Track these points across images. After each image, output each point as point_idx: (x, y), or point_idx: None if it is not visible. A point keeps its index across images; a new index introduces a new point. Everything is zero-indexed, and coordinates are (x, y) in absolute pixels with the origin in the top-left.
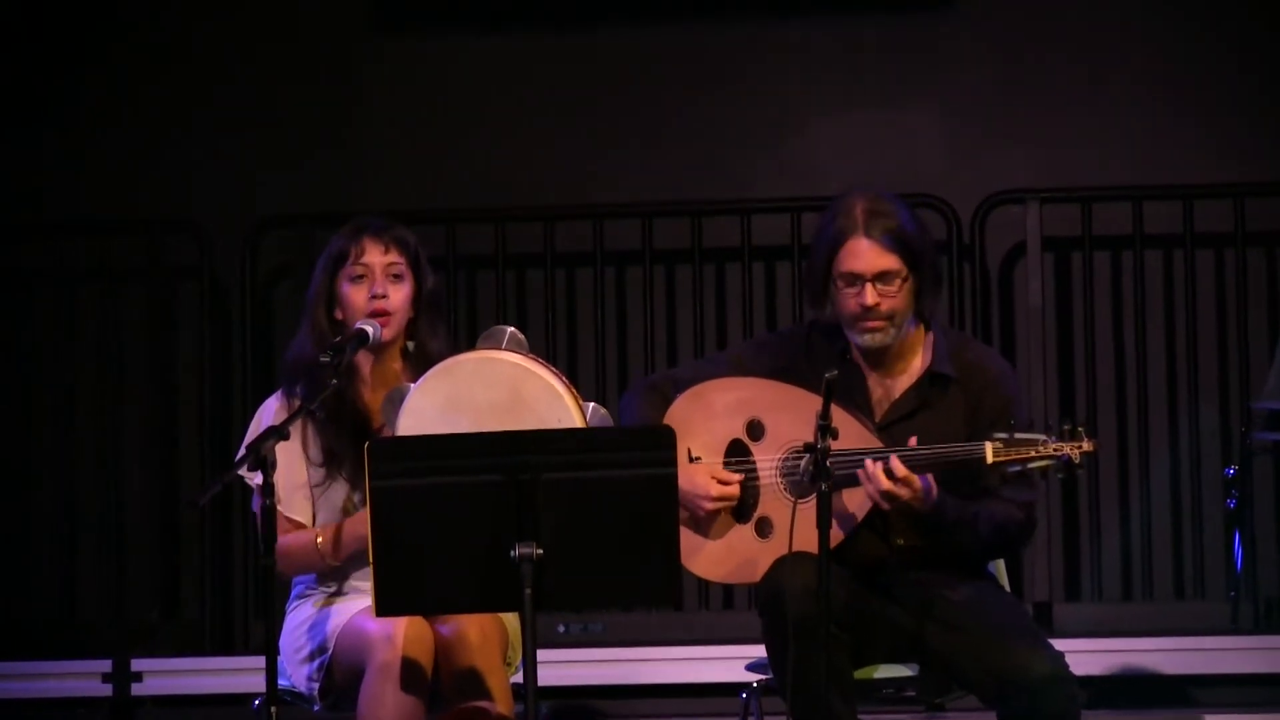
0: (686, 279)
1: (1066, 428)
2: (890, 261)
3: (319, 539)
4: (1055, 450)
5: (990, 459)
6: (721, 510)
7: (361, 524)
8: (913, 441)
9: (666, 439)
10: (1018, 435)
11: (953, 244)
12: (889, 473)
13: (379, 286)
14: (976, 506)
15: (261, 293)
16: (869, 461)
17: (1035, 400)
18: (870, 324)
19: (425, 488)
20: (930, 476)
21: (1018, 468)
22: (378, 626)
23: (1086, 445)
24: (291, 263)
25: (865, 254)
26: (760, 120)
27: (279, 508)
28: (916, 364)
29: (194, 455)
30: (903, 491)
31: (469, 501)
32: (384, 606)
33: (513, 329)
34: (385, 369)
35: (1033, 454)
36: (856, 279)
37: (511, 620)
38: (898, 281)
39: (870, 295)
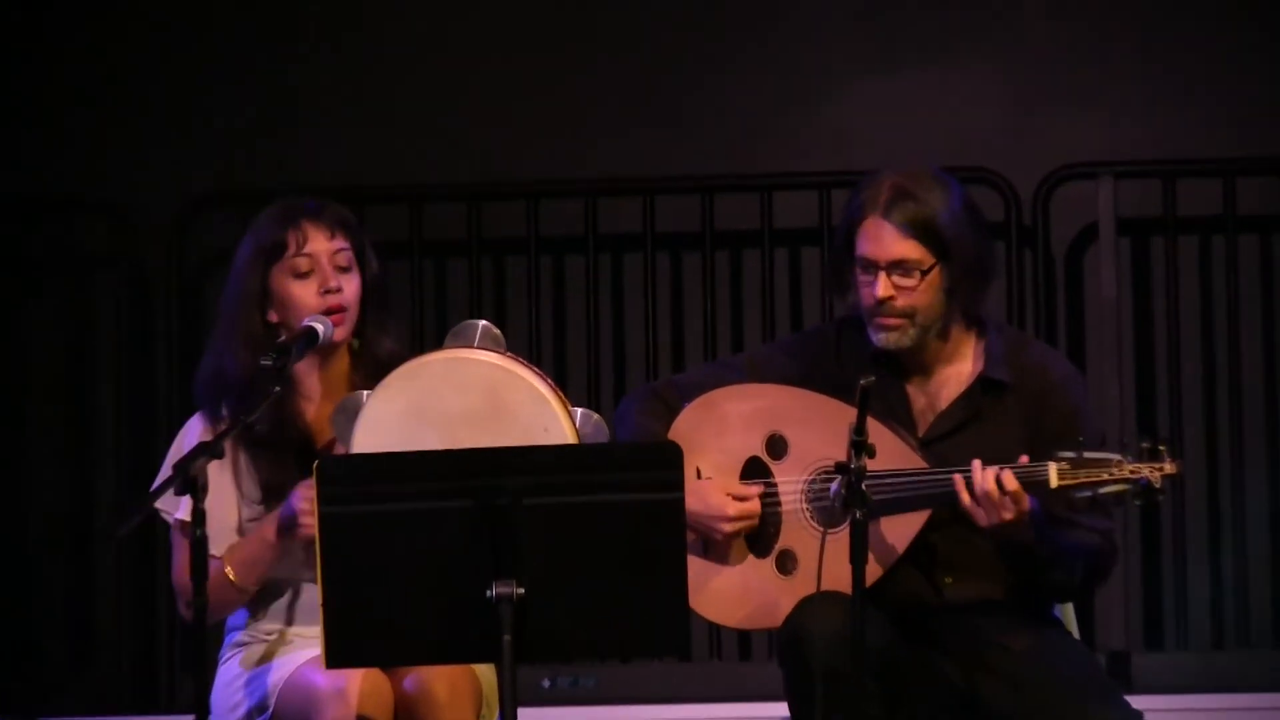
0: (695, 267)
1: (1145, 445)
2: (908, 250)
3: (227, 568)
4: (1132, 473)
5: (1055, 482)
6: (741, 533)
7: (269, 528)
8: (1024, 460)
9: (672, 456)
10: (1087, 455)
11: (1010, 226)
12: (999, 484)
13: (331, 280)
14: (1065, 534)
15: (192, 285)
16: (977, 464)
17: (1108, 411)
18: (883, 320)
19: (384, 514)
20: (1038, 500)
21: (1088, 493)
22: (327, 680)
23: (1169, 467)
24: (228, 250)
25: (880, 238)
26: (784, 81)
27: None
28: (966, 369)
29: (111, 478)
30: (1007, 512)
31: (436, 531)
32: (335, 656)
33: (486, 323)
34: (332, 376)
35: (1105, 477)
36: (870, 266)
37: (487, 673)
38: (917, 274)
39: (883, 286)
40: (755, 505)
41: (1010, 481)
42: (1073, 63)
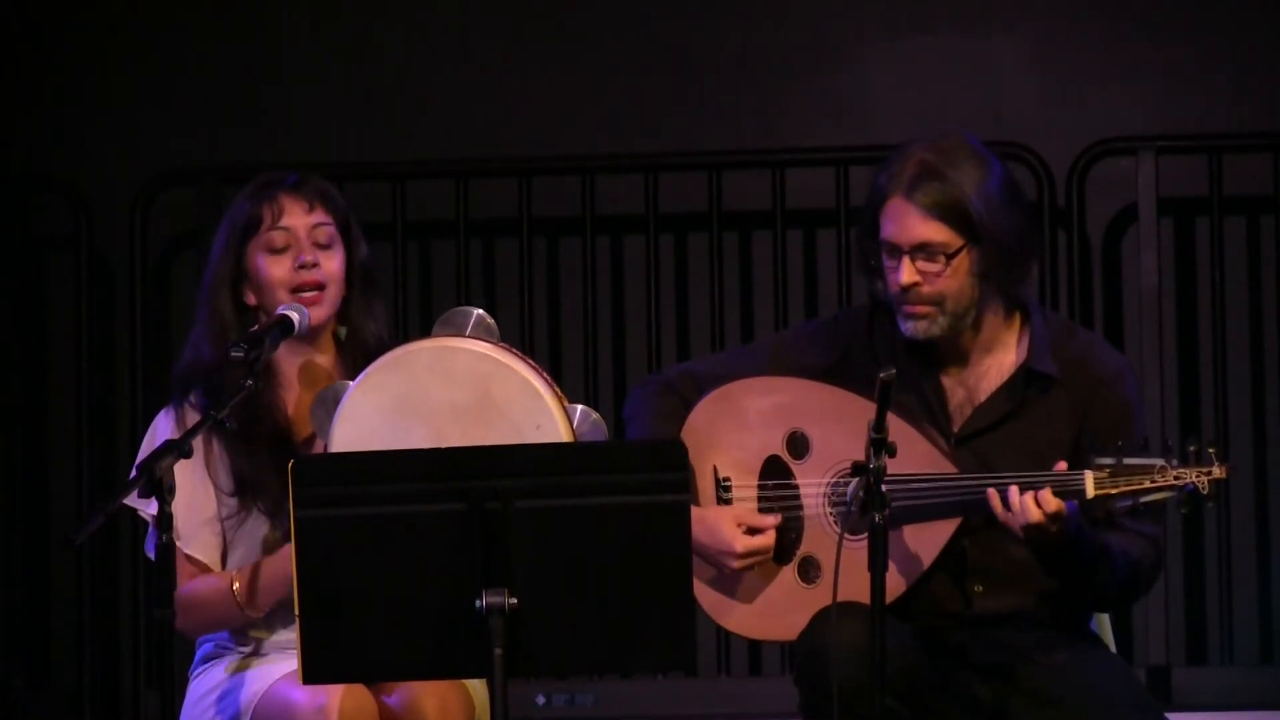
0: (701, 251)
1: (1192, 448)
2: (933, 231)
3: (235, 585)
4: (1177, 479)
5: (1091, 492)
6: (751, 568)
7: (288, 562)
8: (1061, 466)
9: (676, 456)
10: (1127, 461)
11: (1043, 206)
12: (1038, 505)
13: (307, 254)
14: (1107, 536)
15: (155, 269)
16: (1014, 490)
17: (1148, 409)
18: (910, 308)
19: (365, 519)
20: (1076, 504)
21: (1128, 502)
22: (306, 697)
23: (1219, 471)
24: (194, 230)
25: (903, 220)
26: (798, 47)
27: (178, 545)
28: (1008, 359)
29: (69, 478)
30: (1052, 528)
31: (422, 536)
32: (313, 671)
33: (480, 311)
34: (312, 366)
35: (1147, 484)
36: (894, 250)
37: (479, 689)
38: (942, 258)
39: (906, 272)
40: (769, 539)
41: (1050, 502)
42: (1111, 29)
